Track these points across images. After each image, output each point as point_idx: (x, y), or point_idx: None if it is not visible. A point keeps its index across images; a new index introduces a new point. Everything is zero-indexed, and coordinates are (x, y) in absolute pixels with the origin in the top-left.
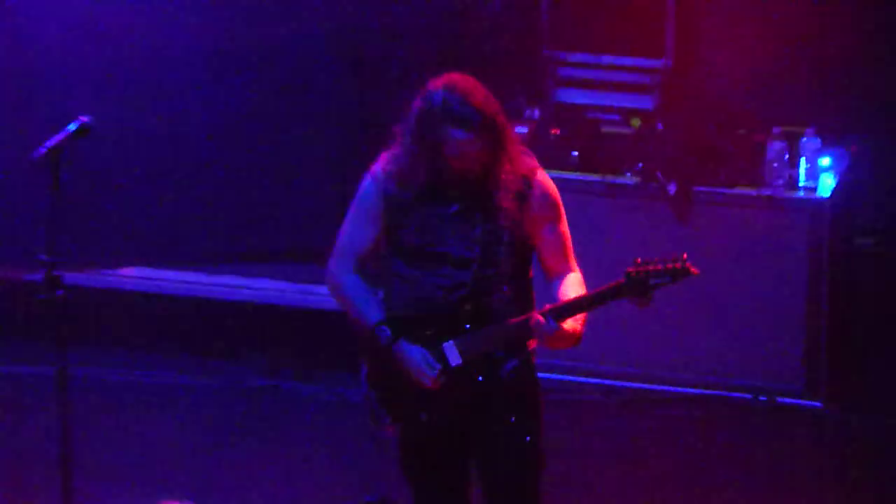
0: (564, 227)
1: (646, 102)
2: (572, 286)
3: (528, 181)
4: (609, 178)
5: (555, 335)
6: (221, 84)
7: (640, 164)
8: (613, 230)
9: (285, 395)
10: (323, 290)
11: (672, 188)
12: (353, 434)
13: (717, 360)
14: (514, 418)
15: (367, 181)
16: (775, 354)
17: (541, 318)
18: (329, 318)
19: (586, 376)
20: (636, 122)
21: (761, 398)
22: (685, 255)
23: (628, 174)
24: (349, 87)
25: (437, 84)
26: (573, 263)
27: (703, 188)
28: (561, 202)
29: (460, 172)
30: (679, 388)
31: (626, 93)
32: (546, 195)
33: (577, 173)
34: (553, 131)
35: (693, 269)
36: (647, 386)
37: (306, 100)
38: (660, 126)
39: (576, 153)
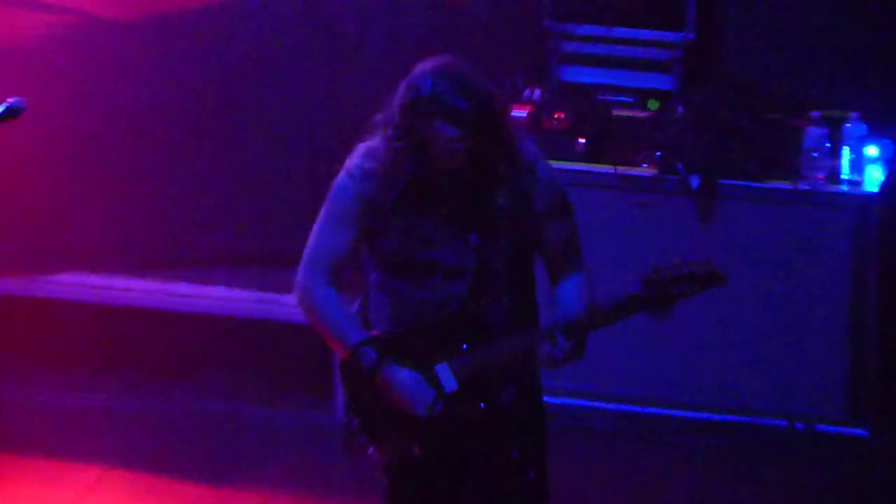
0: (572, 224)
1: (664, 82)
2: (581, 293)
3: (529, 174)
4: (621, 169)
5: (564, 356)
6: (173, 66)
7: (658, 154)
8: (626, 231)
9: (246, 422)
10: (290, 299)
11: (694, 181)
12: (325, 467)
13: (746, 381)
14: (515, 452)
15: (341, 179)
16: (814, 375)
17: (547, 339)
18: (297, 332)
19: (597, 400)
20: (653, 105)
21: (798, 425)
22: (712, 259)
23: (644, 165)
24: (318, 70)
25: (425, 69)
26: (580, 264)
27: (729, 181)
28: (566, 196)
29: (451, 170)
30: (703, 414)
31: (640, 71)
32: (550, 188)
33: (584, 164)
34: (556, 115)
35: (722, 276)
36: (666, 412)
37: (268, 85)
38: (680, 110)
39: (583, 141)
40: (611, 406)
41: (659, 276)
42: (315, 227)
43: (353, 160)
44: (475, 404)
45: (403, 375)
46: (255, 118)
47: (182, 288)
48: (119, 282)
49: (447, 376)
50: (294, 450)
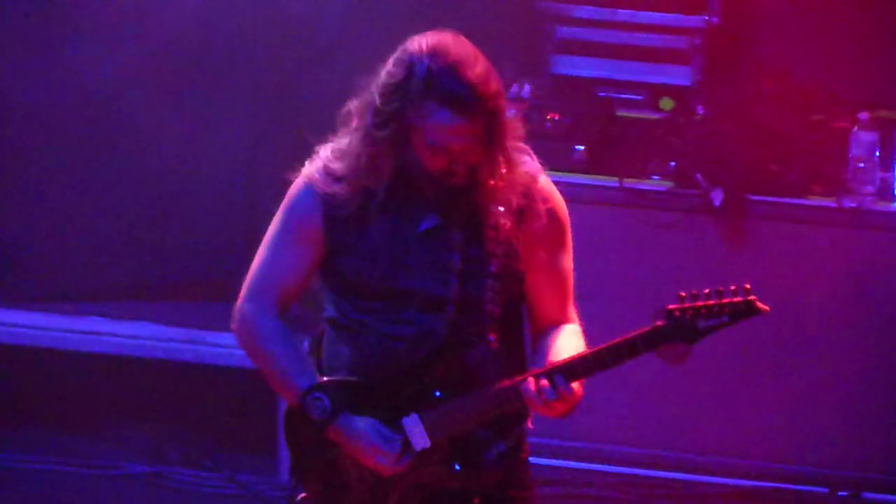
0: (569, 259)
1: (681, 76)
2: (570, 343)
3: (527, 192)
4: (628, 182)
5: (562, 401)
6: (93, 56)
7: (673, 163)
8: (634, 256)
9: (170, 486)
10: (224, 338)
11: (718, 197)
12: None
13: (779, 438)
14: None
15: (299, 188)
16: (861, 431)
17: (543, 381)
18: (233, 377)
19: (593, 462)
20: (667, 104)
21: (840, 493)
22: (747, 286)
23: (655, 177)
24: (263, 62)
25: (421, 46)
26: (572, 312)
27: (760, 197)
28: (568, 224)
29: (437, 173)
30: (726, 479)
31: (652, 63)
32: (550, 213)
33: (583, 176)
34: (549, 116)
35: (761, 307)
36: (679, 476)
37: (203, 79)
38: (700, 110)
39: (581, 147)
40: (609, 468)
41: (683, 305)
42: (263, 246)
43: (315, 163)
44: (449, 465)
45: (362, 425)
46: (194, 124)
47: (94, 323)
48: (9, 315)
49: (417, 431)
50: None
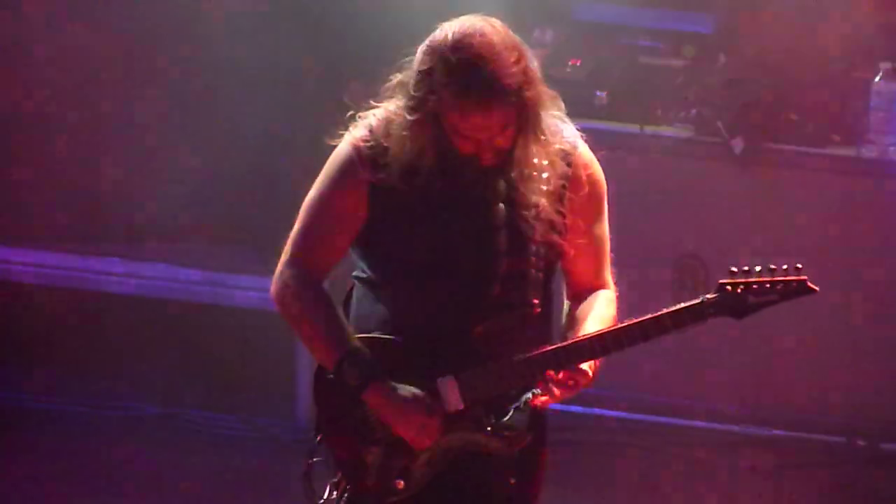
0: (606, 225)
1: (702, 23)
2: (604, 313)
3: (565, 161)
4: (649, 129)
5: (567, 388)
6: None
7: (694, 111)
8: (654, 203)
9: (186, 428)
10: (240, 280)
11: (738, 145)
12: (280, 485)
13: (796, 389)
14: (514, 479)
15: (345, 155)
16: (878, 383)
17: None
18: (248, 319)
19: (605, 408)
20: (689, 52)
21: (859, 442)
22: (799, 266)
23: (677, 124)
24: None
25: (446, 37)
26: (609, 277)
27: (781, 145)
28: (605, 190)
29: (468, 156)
30: (743, 428)
31: (674, 10)
32: (590, 181)
33: (605, 122)
34: (571, 62)
35: (812, 287)
36: (694, 423)
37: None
38: (722, 57)
39: (603, 94)
40: (620, 414)
41: (736, 280)
42: (305, 209)
43: (362, 131)
44: (480, 430)
45: (405, 393)
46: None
47: (110, 264)
48: (30, 255)
49: (451, 393)
50: (244, 461)
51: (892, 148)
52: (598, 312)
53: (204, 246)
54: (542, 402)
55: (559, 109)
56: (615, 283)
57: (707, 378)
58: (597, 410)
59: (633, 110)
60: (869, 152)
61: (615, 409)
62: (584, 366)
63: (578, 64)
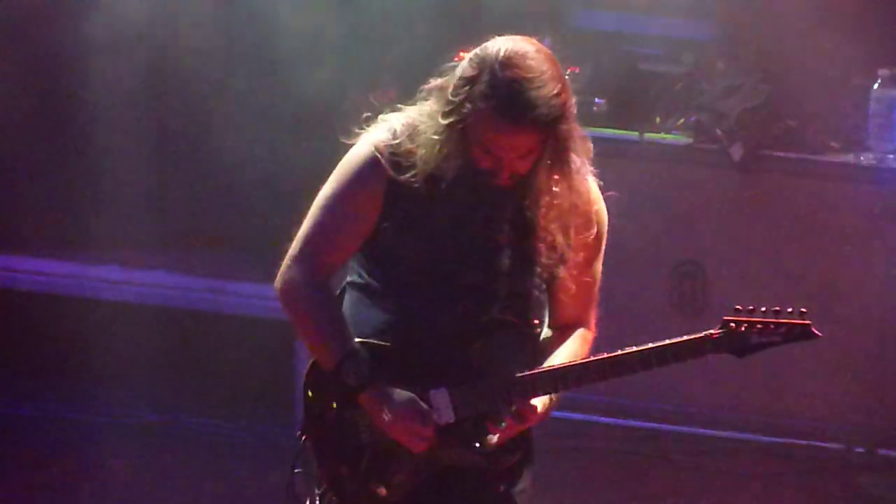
0: (600, 264)
1: (701, 31)
2: (578, 353)
3: (580, 199)
4: (649, 136)
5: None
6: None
7: (693, 118)
8: (653, 210)
9: (185, 435)
10: (240, 287)
11: (737, 151)
12: (280, 492)
13: (795, 396)
14: (503, 486)
15: (364, 156)
16: (878, 389)
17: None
18: (248, 326)
19: (601, 414)
20: (688, 59)
21: (857, 449)
22: (804, 310)
23: (675, 132)
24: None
25: (498, 51)
26: (592, 317)
27: (780, 153)
28: (606, 228)
29: (482, 171)
30: (741, 434)
31: (673, 17)
32: (597, 220)
33: (604, 130)
34: (570, 69)
35: (816, 332)
36: (693, 430)
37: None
38: (721, 64)
39: (602, 101)
40: (618, 422)
41: (740, 318)
42: (317, 207)
43: (381, 131)
44: (468, 445)
45: (402, 398)
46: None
47: (110, 272)
48: (28, 263)
49: (443, 405)
50: (241, 468)
51: (890, 155)
52: (575, 351)
53: (204, 254)
54: (500, 435)
55: (587, 150)
56: (596, 323)
57: (705, 386)
58: (597, 418)
59: (632, 117)
60: (868, 159)
61: (615, 416)
62: (536, 401)
63: (577, 71)
